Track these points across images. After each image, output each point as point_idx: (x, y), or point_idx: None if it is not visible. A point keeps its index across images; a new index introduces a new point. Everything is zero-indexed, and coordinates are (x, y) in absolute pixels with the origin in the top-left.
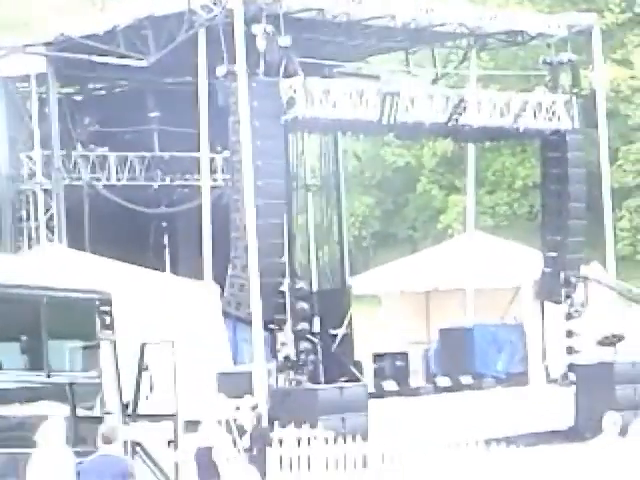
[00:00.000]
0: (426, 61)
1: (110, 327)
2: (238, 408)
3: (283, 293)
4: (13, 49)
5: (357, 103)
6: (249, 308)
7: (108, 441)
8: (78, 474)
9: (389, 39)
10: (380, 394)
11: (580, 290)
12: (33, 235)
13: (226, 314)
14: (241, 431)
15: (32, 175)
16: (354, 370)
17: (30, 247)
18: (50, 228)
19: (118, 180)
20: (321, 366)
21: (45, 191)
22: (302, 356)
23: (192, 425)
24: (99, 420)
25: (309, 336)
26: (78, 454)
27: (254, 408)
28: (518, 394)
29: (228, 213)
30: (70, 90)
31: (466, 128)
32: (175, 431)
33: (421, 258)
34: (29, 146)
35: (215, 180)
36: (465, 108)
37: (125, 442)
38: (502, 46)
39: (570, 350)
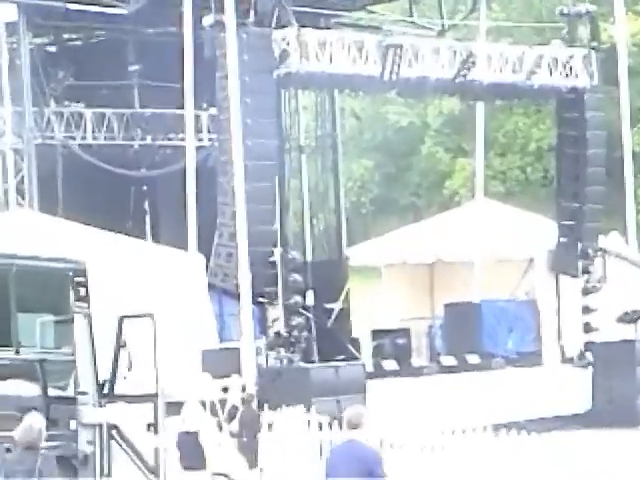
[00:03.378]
0: (432, 11)
1: (85, 299)
2: (225, 389)
3: (274, 264)
4: None
5: (356, 57)
6: (237, 280)
7: (354, 426)
8: (326, 462)
9: None
10: (379, 374)
11: (598, 263)
12: (2, 199)
13: (212, 286)
14: (228, 414)
15: (1, 134)
16: (351, 348)
17: None
18: (20, 191)
19: (95, 139)
20: (315, 343)
21: (15, 151)
22: (294, 332)
23: (174, 407)
24: (72, 401)
25: (302, 311)
26: (49, 437)
27: (242, 389)
28: (530, 375)
29: (214, 176)
30: (43, 40)
31: (475, 85)
32: (155, 413)
33: (425, 227)
34: None
35: (200, 140)
36: (474, 63)
37: (100, 425)
38: None
39: (587, 328)
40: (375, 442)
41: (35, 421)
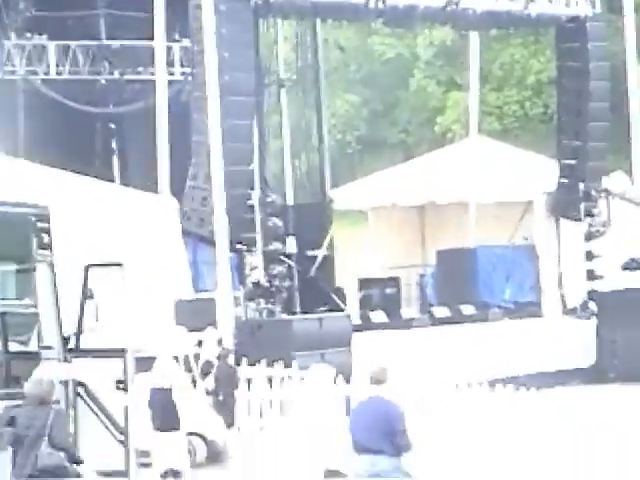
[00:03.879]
0: None
1: (48, 247)
2: (199, 343)
3: (252, 207)
4: None
5: None
6: (212, 225)
7: (378, 382)
8: (349, 414)
9: None
10: (366, 326)
11: (602, 204)
12: None
13: (185, 232)
14: (203, 369)
15: None
16: (335, 298)
17: None
18: None
19: (58, 74)
20: (297, 293)
21: None
22: (275, 282)
23: (145, 362)
24: (35, 356)
25: (283, 258)
26: (9, 395)
27: (219, 342)
28: (529, 327)
29: (188, 113)
30: None
31: (468, 13)
32: (125, 369)
33: (415, 166)
34: None
35: (172, 74)
36: None
37: (65, 382)
38: None
39: (591, 275)
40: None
41: (45, 374)
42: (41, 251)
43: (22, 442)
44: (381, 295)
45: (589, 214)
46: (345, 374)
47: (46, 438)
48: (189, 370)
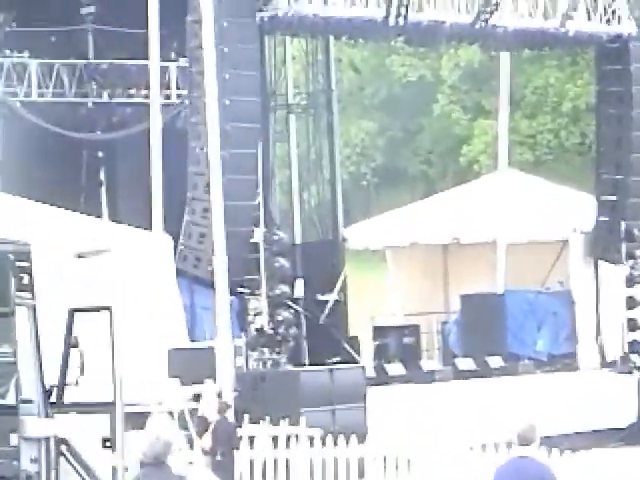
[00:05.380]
0: None
1: (29, 288)
2: (196, 397)
3: (256, 246)
4: None
5: None
6: (211, 265)
7: (526, 442)
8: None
9: None
10: (382, 380)
11: None
12: None
13: (181, 273)
14: (200, 427)
15: None
16: (348, 348)
17: None
18: None
19: (41, 96)
20: (305, 342)
21: None
22: (280, 329)
23: (136, 418)
24: (13, 410)
25: (290, 303)
26: None
27: (217, 396)
28: (564, 381)
29: (185, 141)
30: None
31: (498, 31)
32: (113, 426)
33: (438, 201)
34: None
35: (168, 97)
36: (497, 5)
37: (46, 439)
38: None
39: (632, 325)
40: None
41: (162, 432)
42: (21, 293)
43: None
44: (399, 345)
45: (631, 256)
46: (359, 433)
47: None
48: (185, 427)
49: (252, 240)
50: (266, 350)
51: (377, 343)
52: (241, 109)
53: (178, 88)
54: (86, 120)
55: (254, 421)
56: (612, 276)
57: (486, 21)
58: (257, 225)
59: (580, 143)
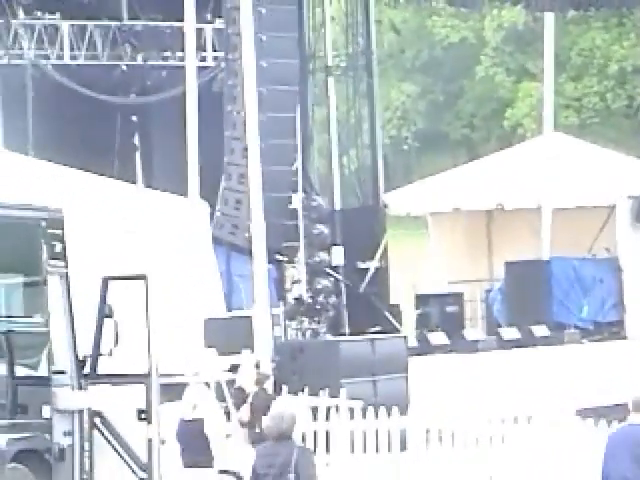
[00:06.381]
0: None
1: (61, 257)
2: (233, 367)
3: (294, 212)
4: None
5: None
6: (248, 232)
7: (638, 409)
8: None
9: None
10: (425, 349)
11: None
12: None
13: (217, 240)
14: (238, 399)
15: None
16: (390, 317)
17: None
18: None
19: (73, 59)
20: (345, 311)
21: None
22: (320, 298)
23: (171, 390)
24: (46, 382)
25: (329, 271)
26: (15, 428)
27: (255, 367)
28: (611, 351)
29: (221, 104)
30: None
31: None
32: (148, 398)
33: (481, 166)
34: None
35: (203, 60)
36: None
37: (80, 412)
38: None
39: None
40: None
41: (286, 409)
42: (53, 261)
43: None
44: (441, 313)
45: None
46: (401, 405)
47: (290, 477)
48: (222, 399)
49: (290, 206)
50: (305, 319)
51: (419, 312)
52: (279, 72)
53: (214, 50)
54: (120, 83)
55: (293, 392)
56: None
57: None
58: (295, 191)
59: (627, 106)
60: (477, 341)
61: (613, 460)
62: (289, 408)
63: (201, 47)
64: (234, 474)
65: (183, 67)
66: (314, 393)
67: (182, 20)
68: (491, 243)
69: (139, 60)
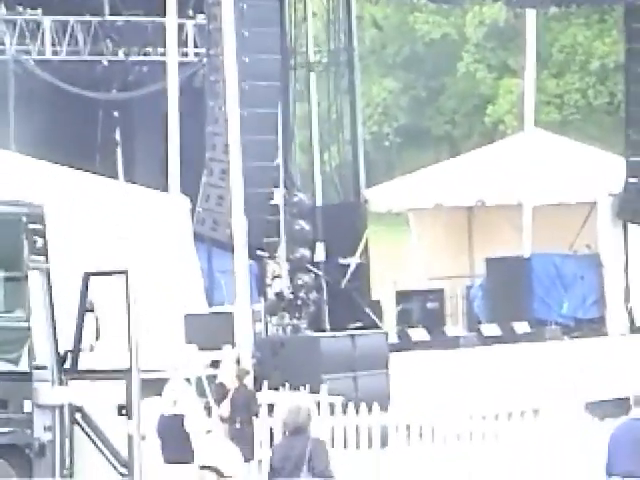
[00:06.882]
0: None
1: (42, 252)
2: (214, 363)
3: (276, 208)
4: None
5: None
6: (229, 228)
7: None
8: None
9: None
10: (405, 345)
11: None
12: None
13: (199, 236)
14: (218, 394)
15: None
16: (370, 313)
17: None
18: None
19: (55, 54)
20: (326, 307)
21: None
22: (300, 293)
23: (152, 385)
24: (26, 377)
25: (310, 266)
26: None
27: (236, 363)
28: (591, 347)
29: (202, 100)
30: None
31: None
32: (128, 393)
33: (462, 163)
34: None
35: (185, 55)
36: None
37: (60, 407)
38: None
39: None
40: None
41: (302, 402)
42: (34, 257)
43: (279, 474)
44: (422, 310)
45: None
46: (381, 401)
47: (305, 468)
48: (202, 394)
49: (271, 202)
50: (286, 315)
51: (400, 308)
52: (260, 67)
53: (195, 46)
54: (101, 79)
55: (274, 388)
56: None
57: None
58: (277, 186)
59: (608, 102)
60: (458, 337)
61: (616, 454)
62: (305, 402)
63: (183, 43)
64: (214, 469)
65: (164, 63)
66: (295, 389)
67: (164, 16)
68: (472, 239)
69: (120, 55)
